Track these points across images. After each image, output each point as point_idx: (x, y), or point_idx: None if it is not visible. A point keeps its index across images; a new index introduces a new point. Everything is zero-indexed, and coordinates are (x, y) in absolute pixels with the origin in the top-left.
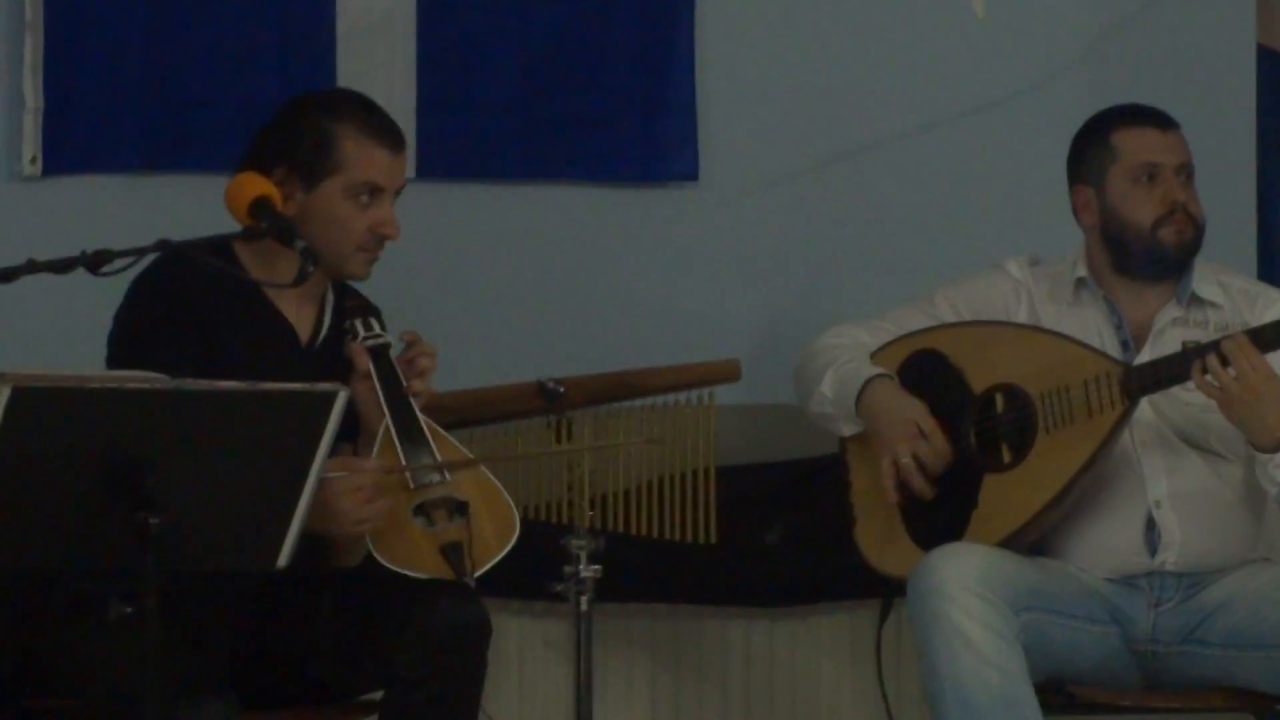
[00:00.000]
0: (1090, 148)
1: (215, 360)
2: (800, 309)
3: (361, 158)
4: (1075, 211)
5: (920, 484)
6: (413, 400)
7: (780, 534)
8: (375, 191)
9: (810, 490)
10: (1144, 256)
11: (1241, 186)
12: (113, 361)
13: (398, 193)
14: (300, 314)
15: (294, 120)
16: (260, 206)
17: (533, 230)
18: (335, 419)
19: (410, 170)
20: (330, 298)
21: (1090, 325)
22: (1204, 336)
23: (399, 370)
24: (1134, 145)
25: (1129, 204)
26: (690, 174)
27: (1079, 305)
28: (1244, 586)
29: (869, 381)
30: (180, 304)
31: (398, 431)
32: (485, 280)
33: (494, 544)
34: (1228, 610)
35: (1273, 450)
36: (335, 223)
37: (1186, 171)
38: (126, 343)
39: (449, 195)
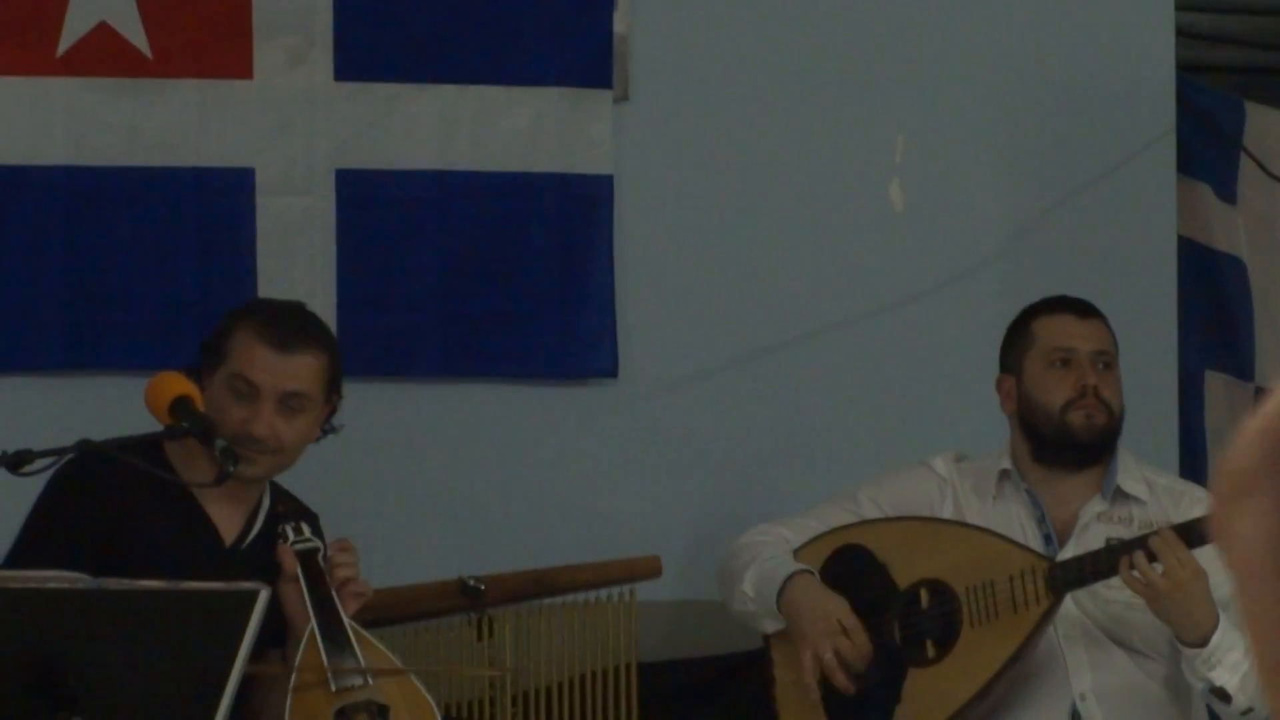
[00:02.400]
0: (1014, 336)
1: (134, 559)
2: (722, 503)
3: (242, 351)
4: (1001, 402)
5: (842, 680)
6: (339, 605)
7: None
8: (251, 389)
9: (733, 686)
10: (1055, 441)
11: (1164, 378)
12: (14, 554)
13: (294, 401)
14: (228, 514)
15: (223, 317)
16: (179, 406)
17: (452, 427)
18: (256, 618)
19: (318, 389)
20: (265, 502)
21: (1014, 519)
22: (1127, 533)
23: (327, 575)
24: (1050, 331)
25: (1042, 387)
26: (609, 370)
27: (1003, 499)
28: None
29: (790, 578)
30: (93, 503)
31: (322, 635)
32: (405, 477)
33: None
34: None
35: (1199, 646)
36: (217, 414)
37: (1104, 359)
38: (31, 539)
39: (368, 392)
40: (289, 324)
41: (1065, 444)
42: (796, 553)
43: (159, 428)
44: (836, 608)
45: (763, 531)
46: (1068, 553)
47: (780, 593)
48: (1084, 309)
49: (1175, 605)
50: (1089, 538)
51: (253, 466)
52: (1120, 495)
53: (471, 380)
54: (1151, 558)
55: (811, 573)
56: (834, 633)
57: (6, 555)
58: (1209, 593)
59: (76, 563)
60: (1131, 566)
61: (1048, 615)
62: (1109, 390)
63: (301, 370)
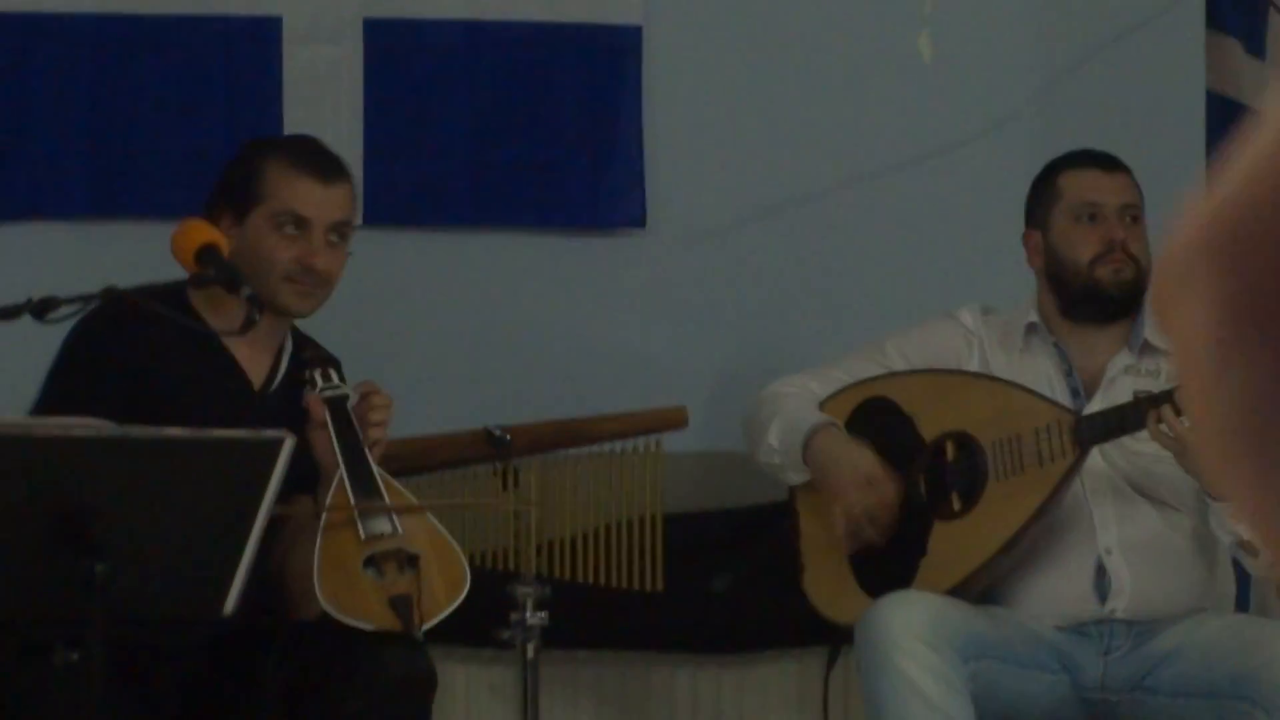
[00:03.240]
0: (1040, 191)
1: (161, 406)
2: (748, 355)
3: (284, 186)
4: (1027, 256)
5: (870, 533)
6: (368, 451)
7: (728, 581)
8: (300, 221)
9: (758, 537)
10: (1082, 296)
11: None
12: (40, 402)
13: (339, 230)
14: (254, 361)
15: (234, 160)
16: (206, 254)
17: (479, 277)
18: (281, 465)
19: (356, 217)
20: (288, 346)
21: (1040, 373)
22: (1155, 386)
23: (355, 421)
24: (1077, 185)
25: (1069, 242)
26: (638, 220)
27: (1030, 353)
28: (1193, 635)
29: (815, 430)
30: (118, 350)
31: (351, 481)
32: (431, 327)
33: (443, 598)
34: (1177, 658)
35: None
36: (261, 254)
37: (1131, 213)
38: (56, 386)
39: (396, 242)
40: (322, 155)
41: (1093, 299)
42: (822, 405)
43: (184, 275)
44: (863, 459)
45: (788, 383)
46: (1095, 406)
47: (805, 445)
48: (1110, 163)
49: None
50: (1116, 391)
51: (309, 300)
52: (1148, 348)
53: (499, 230)
54: (1178, 411)
55: (837, 425)
56: (861, 485)
57: (33, 403)
58: None
59: (101, 410)
60: (1159, 420)
61: (1073, 469)
62: (1136, 244)
63: (344, 198)
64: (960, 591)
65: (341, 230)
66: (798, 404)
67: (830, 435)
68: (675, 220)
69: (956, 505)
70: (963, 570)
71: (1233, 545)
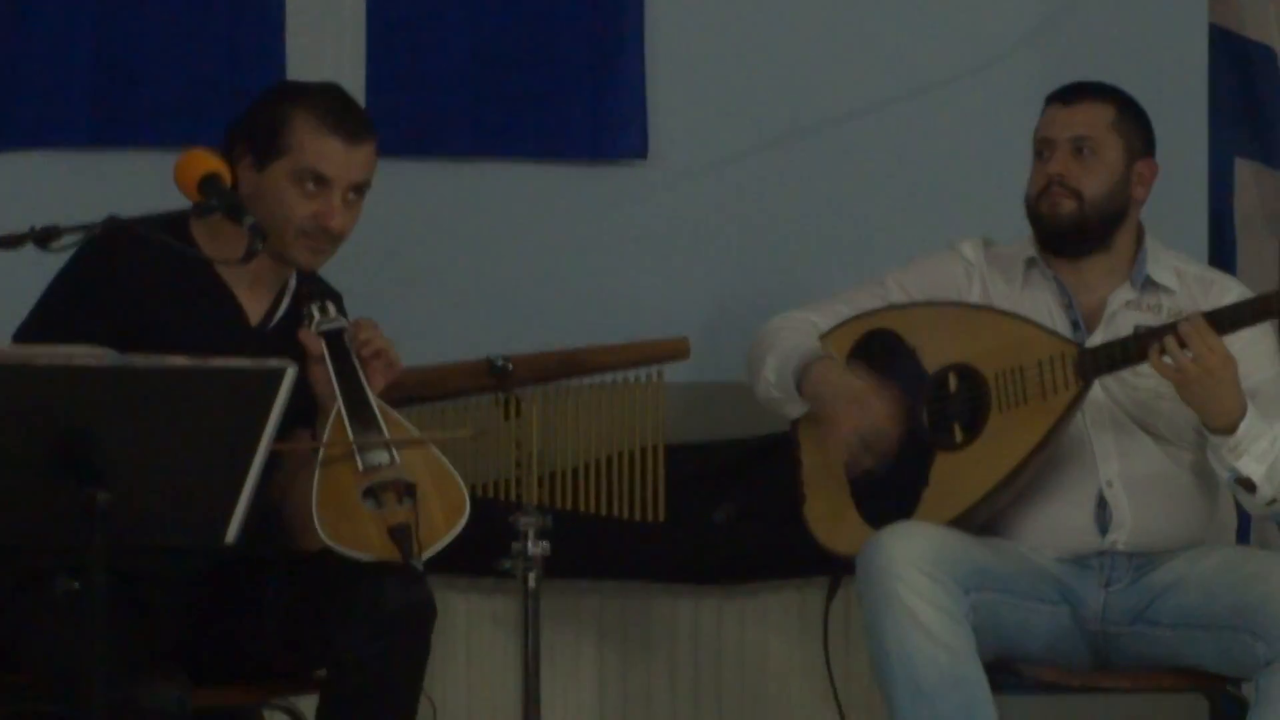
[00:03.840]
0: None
1: (160, 336)
2: (750, 286)
3: (311, 144)
4: None
5: (869, 460)
6: (366, 383)
7: (729, 511)
8: (321, 181)
9: (759, 468)
10: (1037, 231)
11: (1193, 166)
12: (29, 323)
13: (359, 189)
14: (253, 296)
15: (261, 102)
16: (209, 183)
17: (481, 207)
18: (283, 395)
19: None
20: (291, 285)
21: (1041, 306)
22: (1156, 321)
23: (354, 354)
24: (1040, 123)
25: (1030, 179)
26: (639, 151)
27: (1030, 286)
28: (1194, 567)
29: (809, 361)
30: (117, 278)
31: (349, 413)
32: (434, 257)
33: (442, 526)
34: (1178, 590)
35: (1227, 433)
36: (279, 206)
37: (1084, 144)
38: (50, 309)
39: (398, 172)
40: (351, 113)
41: (1041, 233)
42: (824, 337)
43: (188, 205)
44: (859, 387)
45: (789, 317)
46: (1095, 340)
47: (800, 376)
48: (1072, 95)
49: (1204, 391)
50: (1117, 325)
51: (320, 256)
52: (1150, 284)
53: (501, 160)
54: (1181, 344)
55: (831, 356)
56: (858, 412)
57: (22, 322)
58: (1237, 380)
59: (98, 337)
60: (1161, 352)
61: (1076, 401)
62: (1081, 176)
63: (367, 160)
64: (961, 523)
65: (360, 189)
66: (794, 338)
67: (826, 366)
68: (677, 151)
69: (959, 437)
70: (964, 502)
71: (1230, 481)
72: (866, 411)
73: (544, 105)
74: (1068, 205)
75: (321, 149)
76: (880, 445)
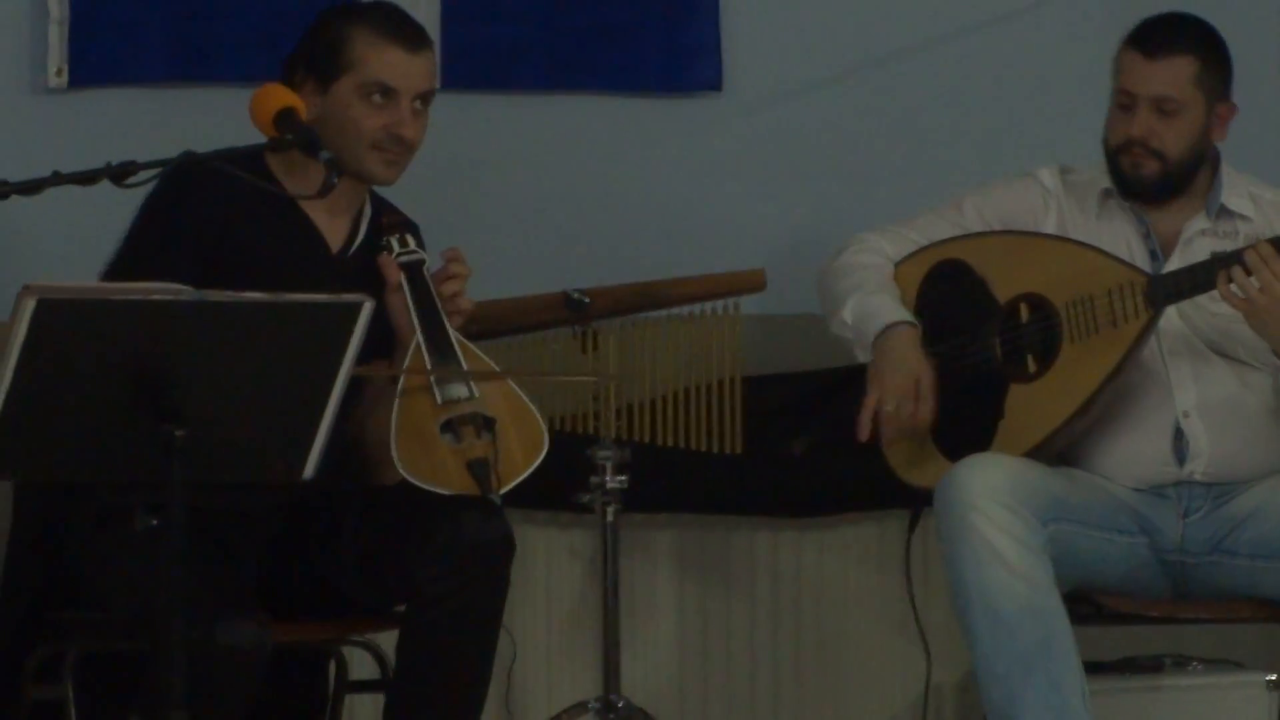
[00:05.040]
0: (1114, 62)
1: (239, 271)
2: (825, 218)
3: (372, 56)
4: None
5: (889, 434)
6: (444, 316)
7: (807, 444)
8: (388, 91)
9: (837, 400)
10: (1114, 177)
11: (1270, 90)
12: (116, 263)
13: (424, 98)
14: (333, 225)
15: (317, 25)
16: (284, 118)
17: (556, 141)
18: (360, 330)
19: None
20: (367, 211)
21: (1119, 236)
22: (1232, 248)
23: (432, 286)
24: (1122, 67)
25: (1109, 122)
26: (714, 83)
27: (1107, 216)
28: (1273, 496)
29: (891, 326)
30: (196, 214)
31: (428, 345)
32: (509, 191)
33: (521, 461)
34: (1256, 520)
35: None
36: (348, 123)
37: (1163, 106)
38: (132, 249)
39: (473, 105)
40: (407, 23)
41: (1120, 183)
42: (896, 266)
43: (263, 140)
44: (921, 370)
45: (864, 246)
46: (1171, 267)
47: (878, 334)
48: (1155, 47)
49: (1272, 319)
50: (1193, 252)
51: (395, 168)
52: (1225, 212)
53: (576, 93)
54: (1249, 271)
55: (915, 325)
56: (908, 392)
57: (109, 263)
58: None
59: (178, 274)
60: (1229, 280)
61: (1147, 329)
62: (1163, 138)
63: (429, 67)
64: (1037, 454)
65: (426, 98)
66: (877, 284)
67: (905, 336)
68: (752, 83)
69: (1032, 368)
70: (1039, 433)
71: None
72: (917, 398)
73: (618, 38)
74: (1150, 166)
75: (385, 59)
76: (909, 431)
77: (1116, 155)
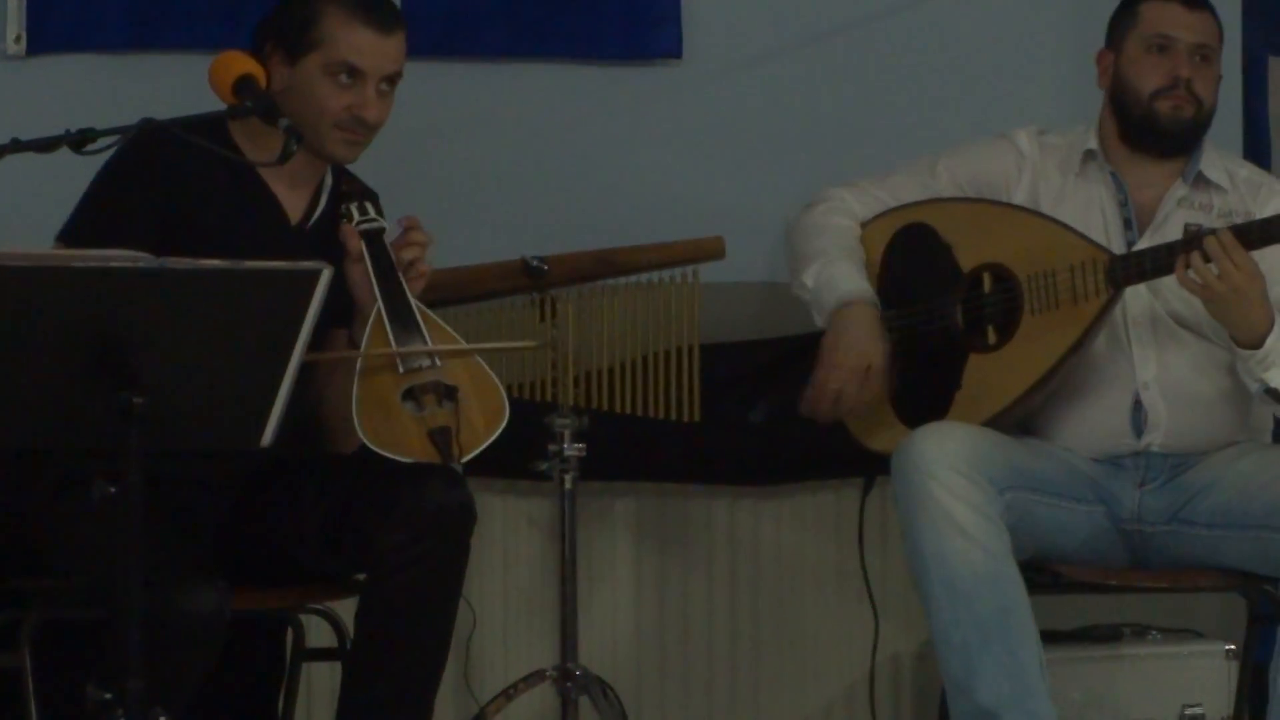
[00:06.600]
0: (1121, 12)
1: (200, 238)
2: (785, 186)
3: (341, 35)
4: (1098, 75)
5: (826, 411)
6: (405, 284)
7: (764, 412)
8: (354, 72)
9: (795, 367)
10: (1140, 125)
11: (1227, 65)
12: (70, 228)
13: (391, 80)
14: (292, 195)
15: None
16: (244, 85)
17: (516, 108)
18: (319, 297)
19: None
20: (329, 182)
21: (1094, 200)
22: (1206, 220)
23: (393, 254)
24: (1155, 15)
25: (1136, 69)
26: (674, 51)
27: (1085, 179)
28: (1230, 467)
29: (852, 299)
30: (155, 181)
31: (389, 315)
32: (468, 158)
33: (482, 429)
34: (1213, 490)
35: (1254, 347)
36: (313, 101)
37: (1203, 53)
38: (88, 214)
39: (432, 73)
40: (380, 4)
41: (1149, 130)
42: (864, 226)
43: (223, 108)
44: (874, 352)
45: (834, 206)
46: (1146, 240)
47: (837, 308)
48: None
49: (1230, 307)
50: (1169, 226)
51: (356, 149)
52: (1201, 180)
53: (536, 60)
54: (1207, 258)
55: (874, 304)
56: (858, 372)
57: (64, 228)
58: (1265, 295)
59: (136, 241)
60: (1187, 266)
61: (1107, 308)
62: (1202, 84)
63: (399, 50)
64: (993, 426)
65: (393, 80)
66: (843, 251)
67: (864, 314)
68: (712, 51)
69: (992, 339)
70: (995, 406)
71: (1260, 393)
72: (866, 378)
73: (579, 5)
74: (1189, 110)
75: (353, 40)
76: (853, 411)
77: (1154, 98)
